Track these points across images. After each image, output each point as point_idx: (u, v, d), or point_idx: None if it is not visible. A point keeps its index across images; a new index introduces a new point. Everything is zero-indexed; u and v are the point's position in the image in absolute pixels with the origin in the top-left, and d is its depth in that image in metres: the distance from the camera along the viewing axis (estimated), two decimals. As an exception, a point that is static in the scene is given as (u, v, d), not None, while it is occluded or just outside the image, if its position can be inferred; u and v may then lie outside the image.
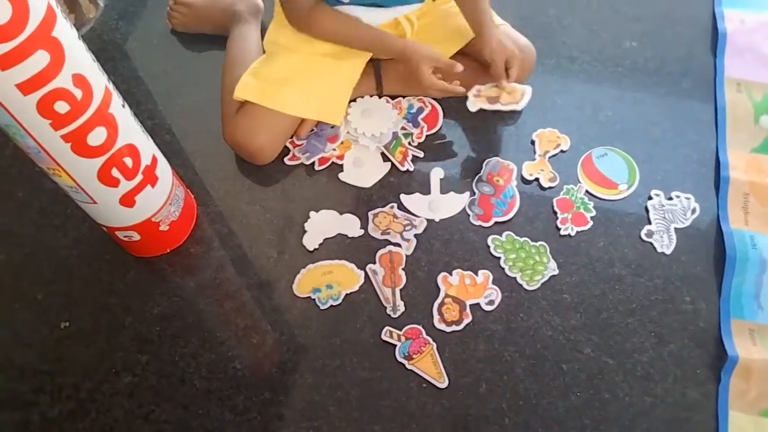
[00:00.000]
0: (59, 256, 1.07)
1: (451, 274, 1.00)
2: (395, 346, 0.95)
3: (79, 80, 0.74)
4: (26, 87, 0.70)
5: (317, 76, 1.07)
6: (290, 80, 1.06)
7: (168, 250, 1.05)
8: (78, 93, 0.74)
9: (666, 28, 1.25)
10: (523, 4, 1.29)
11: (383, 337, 0.95)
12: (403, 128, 1.15)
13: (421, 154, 1.12)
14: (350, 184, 1.10)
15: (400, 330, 0.96)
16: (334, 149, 1.13)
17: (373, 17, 1.07)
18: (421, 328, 0.96)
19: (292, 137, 1.13)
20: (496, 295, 0.98)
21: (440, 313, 0.97)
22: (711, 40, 1.22)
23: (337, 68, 1.08)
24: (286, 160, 1.12)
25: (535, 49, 1.10)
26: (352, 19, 1.05)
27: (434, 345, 0.94)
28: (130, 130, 0.86)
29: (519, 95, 1.08)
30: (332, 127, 1.14)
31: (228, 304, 1.02)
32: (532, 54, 1.09)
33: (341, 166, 1.12)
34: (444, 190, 1.08)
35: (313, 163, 1.12)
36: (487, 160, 1.11)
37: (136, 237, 0.99)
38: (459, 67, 1.02)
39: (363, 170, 1.11)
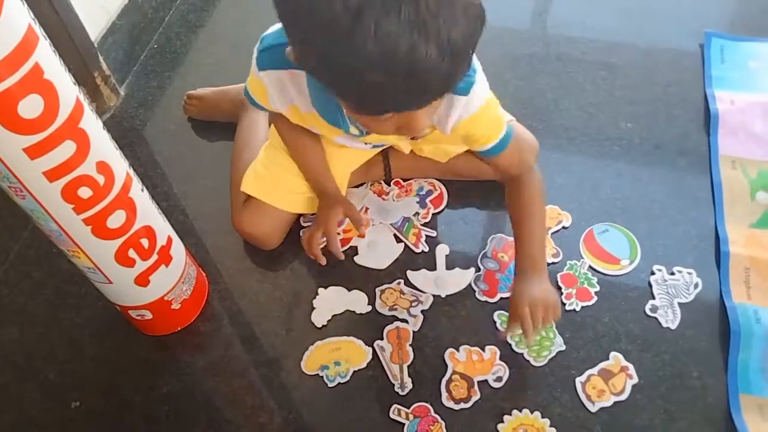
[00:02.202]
0: (72, 335, 1.09)
1: (458, 350, 1.01)
2: (404, 425, 0.94)
3: (102, 167, 0.79)
4: (52, 174, 0.74)
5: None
6: (285, 176, 1.10)
7: (179, 329, 1.07)
8: (101, 179, 0.79)
9: (660, 110, 1.30)
10: (521, 89, 1.35)
11: (392, 416, 0.95)
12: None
13: (434, 234, 1.15)
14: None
15: (409, 408, 0.96)
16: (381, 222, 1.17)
17: (368, 150, 1.13)
18: (429, 405, 0.96)
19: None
20: (503, 371, 0.99)
21: (448, 391, 0.97)
22: (704, 120, 1.27)
23: (333, 158, 1.11)
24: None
25: (538, 146, 1.13)
26: (308, 140, 1.05)
27: (443, 423, 0.94)
28: (148, 213, 0.90)
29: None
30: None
31: (236, 383, 1.02)
32: (534, 150, 1.13)
33: (355, 248, 1.14)
34: (449, 267, 1.11)
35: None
36: (492, 236, 1.13)
37: (149, 315, 1.01)
38: (364, 230, 1.08)
39: (377, 252, 1.13)
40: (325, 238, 1.05)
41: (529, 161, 1.13)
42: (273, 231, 1.12)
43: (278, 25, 0.85)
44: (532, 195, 0.99)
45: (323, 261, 1.05)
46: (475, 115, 0.88)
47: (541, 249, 0.97)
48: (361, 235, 1.11)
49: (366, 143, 1.05)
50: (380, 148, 1.15)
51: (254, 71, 0.89)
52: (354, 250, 1.13)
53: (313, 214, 1.15)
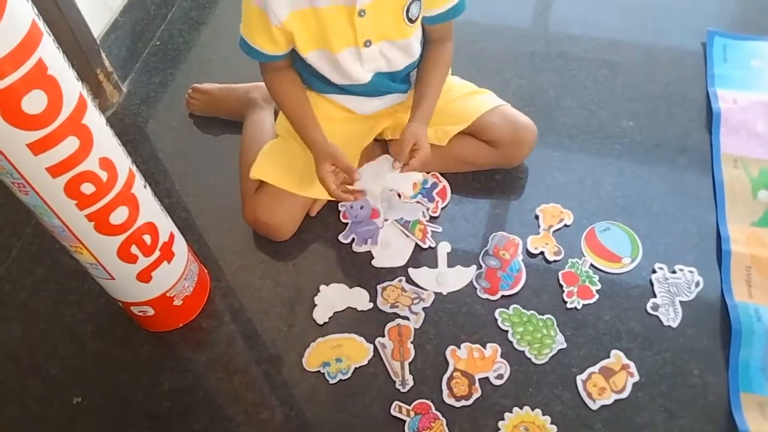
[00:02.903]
0: (74, 332, 1.09)
1: (459, 348, 1.01)
2: (405, 421, 0.95)
3: (105, 163, 0.79)
4: (55, 170, 0.74)
5: None
6: (297, 162, 1.11)
7: (180, 325, 1.07)
8: (104, 175, 0.79)
9: (661, 108, 1.30)
10: (522, 87, 1.36)
11: (392, 413, 0.95)
12: (417, 202, 1.19)
13: (440, 229, 1.15)
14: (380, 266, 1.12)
15: (410, 405, 0.96)
16: (386, 219, 1.17)
17: (367, 106, 1.14)
18: (430, 402, 0.96)
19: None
20: (504, 368, 0.99)
21: (449, 388, 0.97)
22: (706, 118, 1.27)
23: (344, 135, 1.11)
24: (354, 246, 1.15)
25: (536, 128, 1.14)
26: (296, 91, 1.09)
27: (444, 421, 0.94)
28: (150, 209, 0.90)
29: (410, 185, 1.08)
30: (361, 208, 1.17)
31: (238, 379, 1.02)
32: (532, 131, 1.14)
33: (369, 252, 1.14)
34: (451, 264, 1.11)
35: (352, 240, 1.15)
36: (493, 234, 1.14)
37: (151, 312, 1.01)
38: (356, 175, 1.04)
39: (392, 250, 1.13)
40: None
41: (527, 139, 1.14)
42: (287, 219, 1.12)
43: None
44: (445, 60, 1.09)
45: (357, 176, 1.04)
46: None
47: (434, 105, 1.08)
48: (354, 180, 1.06)
49: (367, 42, 1.02)
50: (394, 97, 1.15)
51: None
52: (370, 255, 1.13)
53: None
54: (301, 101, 1.09)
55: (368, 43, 1.00)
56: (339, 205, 1.18)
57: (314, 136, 1.06)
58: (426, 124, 1.07)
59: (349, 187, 1.04)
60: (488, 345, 1.01)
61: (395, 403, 0.96)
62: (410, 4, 0.98)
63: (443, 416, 0.94)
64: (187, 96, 1.35)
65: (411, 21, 1.00)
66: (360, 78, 1.06)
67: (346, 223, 1.17)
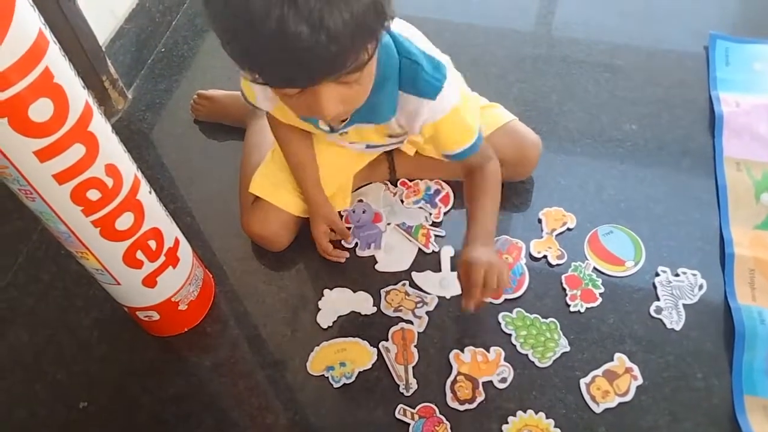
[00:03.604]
0: (80, 337, 1.10)
1: (463, 351, 1.01)
2: (409, 425, 0.95)
3: (111, 170, 0.80)
4: (62, 177, 0.75)
5: (322, 170, 1.12)
6: (291, 178, 1.11)
7: (185, 330, 1.08)
8: (109, 181, 0.80)
9: (664, 111, 1.30)
10: (525, 91, 1.36)
11: (397, 416, 0.96)
12: (420, 208, 1.19)
13: (443, 233, 1.16)
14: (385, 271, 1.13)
15: (414, 408, 0.96)
16: (389, 223, 1.17)
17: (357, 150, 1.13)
18: (434, 406, 0.96)
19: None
20: (508, 372, 0.99)
21: (453, 391, 0.97)
22: (708, 121, 1.27)
23: (337, 157, 1.12)
24: (357, 251, 1.15)
25: (541, 145, 1.14)
26: (298, 141, 1.07)
27: (448, 424, 0.95)
28: (155, 215, 0.91)
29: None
30: (364, 212, 1.18)
31: (242, 383, 1.03)
32: (537, 150, 1.14)
33: (373, 257, 1.14)
34: (454, 268, 1.11)
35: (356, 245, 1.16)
36: (496, 238, 1.14)
37: (156, 317, 1.02)
38: (350, 239, 1.11)
39: (396, 255, 1.14)
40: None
41: (532, 157, 1.14)
42: (281, 232, 1.13)
43: None
44: (493, 177, 1.02)
45: (343, 258, 1.09)
46: (443, 119, 0.91)
47: (494, 220, 1.00)
48: (347, 241, 1.14)
49: (351, 143, 1.04)
50: (380, 149, 1.15)
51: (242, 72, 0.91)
52: (373, 259, 1.14)
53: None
54: (303, 153, 1.08)
55: (351, 144, 1.04)
56: (342, 210, 1.19)
57: (313, 194, 1.08)
58: (480, 244, 0.95)
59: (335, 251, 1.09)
60: (492, 349, 1.01)
61: (400, 406, 0.96)
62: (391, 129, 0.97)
63: (447, 420, 0.95)
64: (192, 102, 1.36)
65: (392, 137, 1.02)
66: (358, 149, 1.08)
67: (349, 228, 1.17)
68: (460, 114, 0.92)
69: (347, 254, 1.12)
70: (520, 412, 0.95)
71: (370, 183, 1.22)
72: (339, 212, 1.19)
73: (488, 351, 1.01)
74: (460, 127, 0.95)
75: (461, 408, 0.96)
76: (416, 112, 0.90)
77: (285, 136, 1.06)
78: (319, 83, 0.68)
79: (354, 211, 1.18)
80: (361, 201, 1.20)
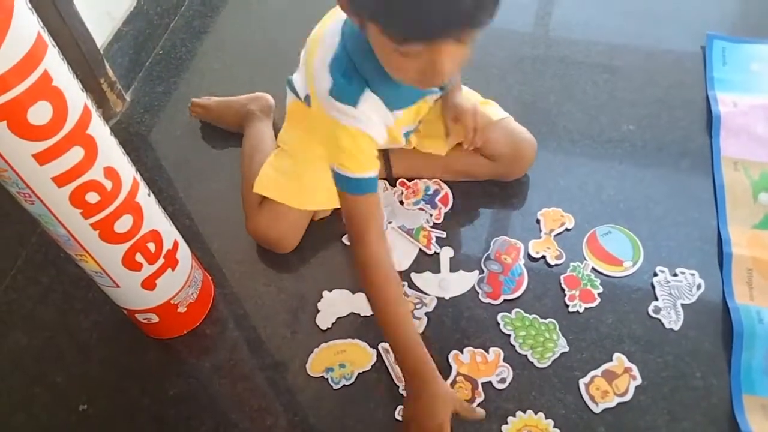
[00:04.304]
0: (79, 339, 1.10)
1: (462, 352, 1.01)
2: None
3: (110, 172, 0.80)
4: (61, 180, 0.75)
5: (324, 168, 1.11)
6: (300, 176, 1.11)
7: (185, 332, 1.08)
8: (108, 184, 0.80)
9: (662, 112, 1.30)
10: (524, 92, 1.36)
11: (397, 417, 0.96)
12: (420, 209, 1.19)
13: (444, 235, 1.16)
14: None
15: None
16: (390, 222, 1.17)
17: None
18: (433, 407, 0.96)
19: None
20: (507, 372, 0.99)
21: (452, 392, 0.98)
22: (706, 122, 1.28)
23: None
24: None
25: (536, 143, 1.15)
26: (400, 305, 0.89)
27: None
28: (154, 217, 0.91)
29: None
30: None
31: (242, 385, 1.03)
32: (532, 147, 1.15)
33: None
34: (453, 269, 1.11)
35: None
36: (495, 239, 1.14)
37: (155, 319, 1.02)
38: (480, 414, 0.89)
39: (395, 255, 1.13)
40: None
41: (528, 154, 1.15)
42: (289, 232, 1.13)
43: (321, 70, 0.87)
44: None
45: (481, 414, 0.89)
46: None
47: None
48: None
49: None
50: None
51: (350, 116, 0.86)
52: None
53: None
54: (408, 316, 0.90)
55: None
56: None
57: (424, 358, 0.86)
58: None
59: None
60: (491, 349, 1.01)
61: (400, 407, 0.96)
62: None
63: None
64: (190, 104, 1.36)
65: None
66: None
67: (348, 229, 1.18)
68: None
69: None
70: (519, 413, 0.95)
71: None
72: (339, 211, 1.19)
73: (487, 352, 1.01)
74: None
75: (461, 409, 0.96)
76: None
77: (386, 270, 0.89)
78: (450, 36, 0.70)
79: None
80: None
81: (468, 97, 1.11)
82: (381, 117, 0.90)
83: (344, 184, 0.88)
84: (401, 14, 0.68)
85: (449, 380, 0.99)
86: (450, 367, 1.00)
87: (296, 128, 1.12)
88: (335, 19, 0.91)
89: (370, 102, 0.88)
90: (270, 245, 1.14)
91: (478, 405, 0.96)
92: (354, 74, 0.86)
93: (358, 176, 0.87)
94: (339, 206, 1.15)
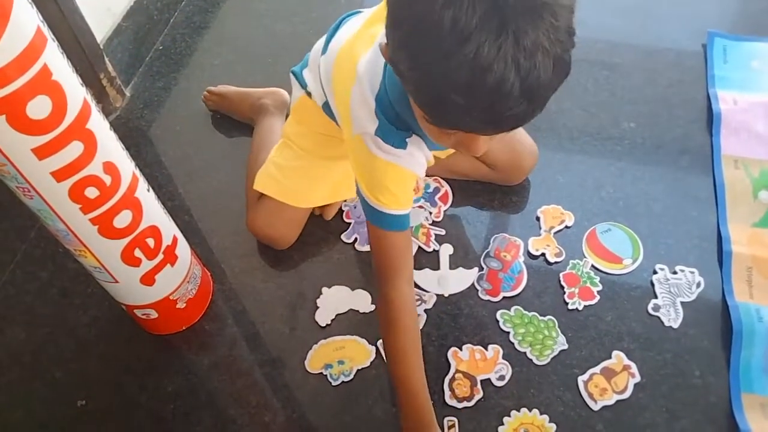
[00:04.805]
0: (78, 335, 1.09)
1: (461, 349, 1.01)
2: None
3: (109, 167, 0.80)
4: (60, 174, 0.75)
5: (324, 166, 1.11)
6: (301, 171, 1.10)
7: (184, 328, 1.08)
8: (107, 179, 0.80)
9: (662, 110, 1.30)
10: (524, 89, 1.36)
11: (396, 414, 0.96)
12: (420, 206, 1.19)
13: (443, 232, 1.15)
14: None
15: None
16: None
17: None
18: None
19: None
20: (506, 370, 0.99)
21: (451, 389, 0.98)
22: (706, 120, 1.27)
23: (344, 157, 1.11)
24: (356, 246, 1.15)
25: (537, 151, 1.15)
26: (415, 354, 0.88)
27: (446, 422, 0.95)
28: (154, 213, 0.91)
29: None
30: None
31: (240, 381, 1.03)
32: (532, 157, 1.14)
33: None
34: (453, 266, 1.11)
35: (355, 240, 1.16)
36: (494, 236, 1.14)
37: (154, 315, 1.02)
38: None
39: None
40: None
41: (527, 165, 1.14)
42: (287, 228, 1.12)
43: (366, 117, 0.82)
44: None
45: None
46: None
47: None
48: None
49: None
50: None
51: (396, 157, 0.82)
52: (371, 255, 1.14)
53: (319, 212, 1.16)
54: (420, 355, 0.89)
55: None
56: (342, 204, 1.19)
57: (427, 405, 0.86)
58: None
59: None
60: (490, 346, 1.01)
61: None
62: None
63: (445, 418, 0.95)
64: (204, 94, 1.37)
65: None
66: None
67: (349, 223, 1.17)
68: None
69: None
70: (518, 410, 0.95)
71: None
72: (341, 208, 1.19)
73: (486, 349, 1.01)
74: None
75: (459, 406, 0.96)
76: None
77: (408, 307, 0.89)
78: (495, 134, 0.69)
79: (356, 207, 1.18)
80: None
81: None
82: (423, 153, 0.87)
83: (378, 218, 0.85)
84: (446, 115, 0.65)
85: (448, 377, 0.99)
86: (449, 363, 1.00)
87: (301, 123, 1.11)
88: (372, 48, 0.84)
89: (416, 143, 0.84)
90: (268, 241, 1.14)
91: (477, 402, 0.96)
92: (400, 122, 0.82)
93: (394, 212, 0.85)
94: (338, 200, 1.16)
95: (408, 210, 0.86)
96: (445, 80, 0.60)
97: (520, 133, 1.14)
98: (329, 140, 1.08)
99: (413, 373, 0.86)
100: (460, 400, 0.96)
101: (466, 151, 0.75)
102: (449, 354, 1.01)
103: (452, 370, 0.99)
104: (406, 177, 0.84)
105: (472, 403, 0.96)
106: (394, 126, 0.82)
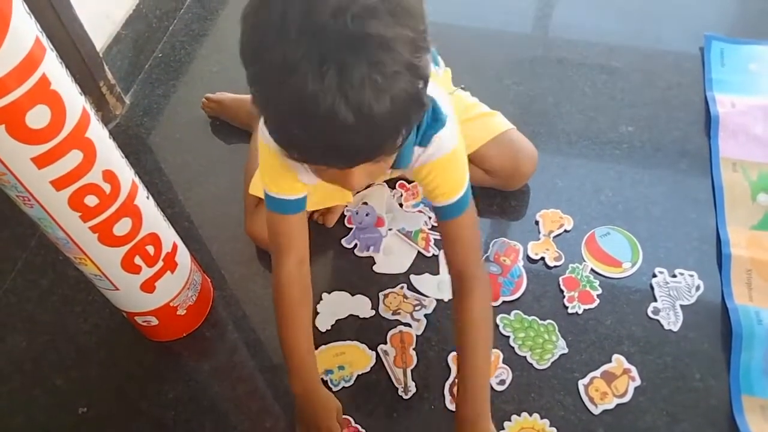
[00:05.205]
0: (79, 342, 1.10)
1: (461, 354, 1.01)
2: None
3: (109, 176, 0.80)
4: (59, 183, 0.75)
5: None
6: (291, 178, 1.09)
7: (184, 334, 1.08)
8: (107, 187, 0.80)
9: (661, 113, 1.31)
10: (521, 93, 1.36)
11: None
12: (419, 211, 1.19)
13: (442, 237, 1.16)
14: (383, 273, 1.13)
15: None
16: (390, 229, 1.17)
17: None
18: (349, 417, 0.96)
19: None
20: (506, 374, 0.99)
21: (452, 394, 0.98)
22: (704, 123, 1.28)
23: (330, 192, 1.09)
24: (356, 252, 1.16)
25: (536, 156, 1.14)
26: (303, 309, 0.93)
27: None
28: (153, 220, 0.91)
29: None
30: (367, 215, 1.18)
31: (241, 388, 1.03)
32: (532, 162, 1.14)
33: (372, 258, 1.15)
34: (452, 271, 1.11)
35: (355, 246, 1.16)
36: (494, 240, 1.14)
37: (155, 321, 1.02)
38: None
39: (393, 257, 1.14)
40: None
41: (526, 171, 1.14)
42: None
43: None
44: (479, 314, 0.88)
45: None
46: (438, 161, 0.83)
47: (485, 389, 0.87)
48: None
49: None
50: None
51: (267, 140, 0.78)
52: (371, 261, 1.14)
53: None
54: (305, 326, 0.93)
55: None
56: (345, 209, 1.19)
57: (313, 371, 0.92)
58: (479, 422, 0.85)
59: None
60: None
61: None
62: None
63: (446, 422, 0.95)
64: (203, 101, 1.37)
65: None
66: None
67: (350, 229, 1.18)
68: (457, 160, 0.86)
69: None
70: (518, 414, 0.95)
71: (374, 185, 1.22)
72: (343, 213, 1.19)
73: (486, 353, 1.01)
74: (452, 173, 0.86)
75: (460, 410, 0.96)
76: (410, 155, 0.83)
77: (294, 288, 0.93)
78: (356, 166, 0.67)
79: (357, 213, 1.19)
80: (365, 204, 1.20)
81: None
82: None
83: (267, 200, 0.88)
84: (292, 147, 0.64)
85: (448, 382, 0.99)
86: (450, 368, 1.00)
87: None
88: None
89: None
90: (267, 246, 1.14)
91: (478, 406, 0.96)
92: None
93: (273, 195, 0.87)
94: (330, 205, 1.16)
95: (287, 196, 0.87)
96: (280, 109, 0.61)
97: (520, 138, 1.14)
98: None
99: (297, 337, 0.91)
100: (460, 405, 0.97)
101: (342, 186, 0.74)
102: (450, 358, 1.01)
103: (453, 375, 0.99)
104: (275, 162, 0.84)
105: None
106: None
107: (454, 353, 1.01)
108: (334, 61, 0.56)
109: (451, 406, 0.96)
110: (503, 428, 0.95)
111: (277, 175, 0.86)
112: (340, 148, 0.62)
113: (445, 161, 0.84)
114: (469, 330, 0.87)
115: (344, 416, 0.95)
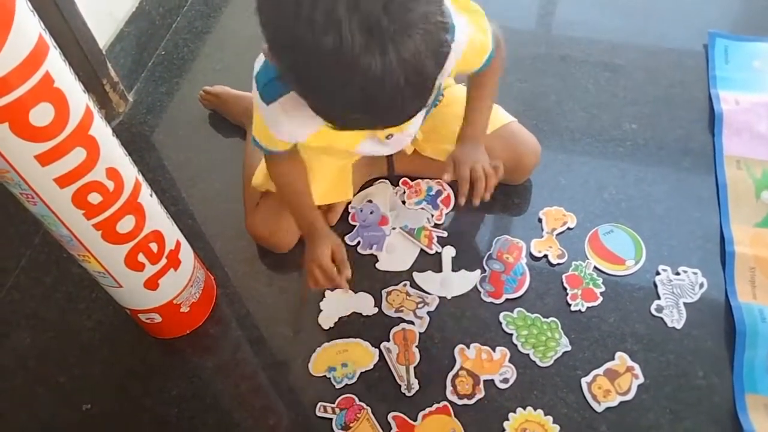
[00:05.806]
0: (83, 339, 1.10)
1: (468, 347, 1.01)
2: (331, 419, 0.97)
3: (112, 173, 0.80)
4: (63, 181, 0.75)
5: (318, 159, 1.08)
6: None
7: (188, 332, 1.08)
8: (110, 185, 0.80)
9: (664, 111, 1.30)
10: (525, 90, 1.36)
11: (318, 413, 0.97)
12: (422, 208, 1.19)
13: (445, 235, 1.16)
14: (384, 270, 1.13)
15: (334, 402, 0.98)
16: (394, 228, 1.17)
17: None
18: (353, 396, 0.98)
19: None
20: (511, 373, 0.99)
21: (453, 385, 0.98)
22: (708, 120, 1.27)
23: (336, 149, 1.08)
24: (359, 249, 1.16)
25: (539, 149, 1.14)
26: (299, 177, 1.02)
27: (369, 409, 0.96)
28: (157, 217, 0.92)
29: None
30: (371, 213, 1.19)
31: (245, 385, 1.03)
32: (534, 155, 1.14)
33: (375, 256, 1.15)
34: (455, 268, 1.11)
35: (357, 243, 1.16)
36: (497, 238, 1.14)
37: (158, 319, 1.02)
38: (348, 272, 1.00)
39: (396, 255, 1.14)
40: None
41: (528, 164, 1.14)
42: (286, 233, 1.12)
43: (262, 59, 0.85)
44: (495, 76, 1.03)
45: (345, 286, 1.01)
46: (464, 52, 0.90)
47: (485, 123, 1.07)
48: (340, 286, 1.01)
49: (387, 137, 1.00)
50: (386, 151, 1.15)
51: (261, 108, 0.86)
52: (374, 258, 1.14)
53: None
54: (303, 187, 1.03)
55: (390, 136, 0.98)
56: (349, 207, 1.19)
57: (314, 216, 1.02)
58: (476, 141, 1.07)
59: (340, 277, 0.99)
60: (497, 348, 1.01)
61: (320, 404, 0.98)
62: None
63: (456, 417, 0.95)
64: (200, 93, 1.38)
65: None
66: (377, 152, 1.06)
67: (353, 226, 1.18)
68: (476, 35, 0.92)
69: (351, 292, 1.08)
70: (520, 410, 0.95)
71: (378, 182, 1.22)
72: (347, 210, 1.19)
73: (494, 350, 1.01)
74: (479, 47, 0.94)
75: (459, 402, 0.96)
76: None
77: (284, 169, 1.01)
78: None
79: (362, 210, 1.19)
80: (370, 201, 1.20)
81: (472, 154, 1.07)
82: (301, 121, 0.84)
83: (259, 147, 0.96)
84: (348, 126, 0.70)
85: (451, 373, 0.99)
86: (455, 359, 1.00)
87: None
88: None
89: (292, 102, 0.80)
90: (267, 244, 1.14)
91: (477, 402, 0.96)
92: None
93: (258, 141, 0.94)
94: (333, 201, 1.16)
95: (270, 148, 0.94)
96: (341, 105, 0.65)
97: (521, 130, 1.14)
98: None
99: (300, 202, 1.02)
100: (460, 397, 0.97)
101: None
102: (456, 350, 1.01)
103: (457, 367, 1.00)
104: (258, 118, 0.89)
105: (472, 402, 0.96)
106: (273, 79, 0.82)
107: (461, 345, 1.01)
108: (391, 42, 0.59)
109: (451, 397, 0.97)
110: (505, 421, 0.94)
111: (273, 142, 0.92)
112: (399, 118, 0.68)
113: (468, 49, 0.91)
114: (484, 83, 1.03)
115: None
